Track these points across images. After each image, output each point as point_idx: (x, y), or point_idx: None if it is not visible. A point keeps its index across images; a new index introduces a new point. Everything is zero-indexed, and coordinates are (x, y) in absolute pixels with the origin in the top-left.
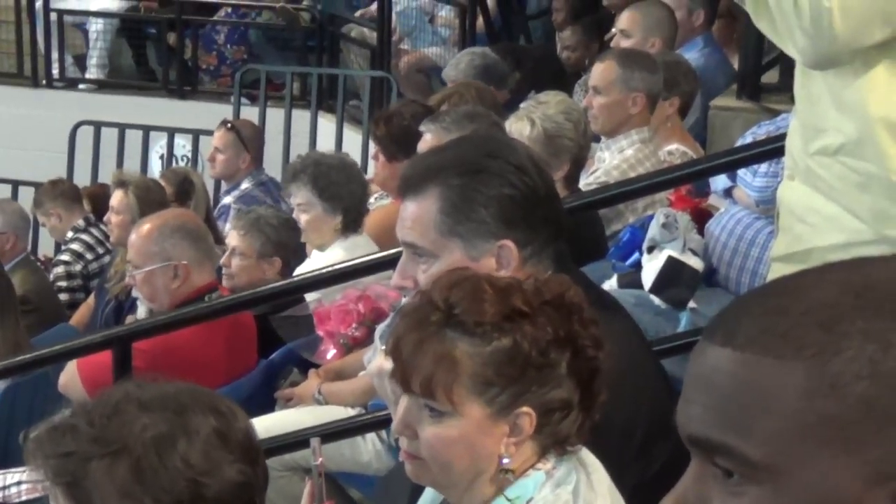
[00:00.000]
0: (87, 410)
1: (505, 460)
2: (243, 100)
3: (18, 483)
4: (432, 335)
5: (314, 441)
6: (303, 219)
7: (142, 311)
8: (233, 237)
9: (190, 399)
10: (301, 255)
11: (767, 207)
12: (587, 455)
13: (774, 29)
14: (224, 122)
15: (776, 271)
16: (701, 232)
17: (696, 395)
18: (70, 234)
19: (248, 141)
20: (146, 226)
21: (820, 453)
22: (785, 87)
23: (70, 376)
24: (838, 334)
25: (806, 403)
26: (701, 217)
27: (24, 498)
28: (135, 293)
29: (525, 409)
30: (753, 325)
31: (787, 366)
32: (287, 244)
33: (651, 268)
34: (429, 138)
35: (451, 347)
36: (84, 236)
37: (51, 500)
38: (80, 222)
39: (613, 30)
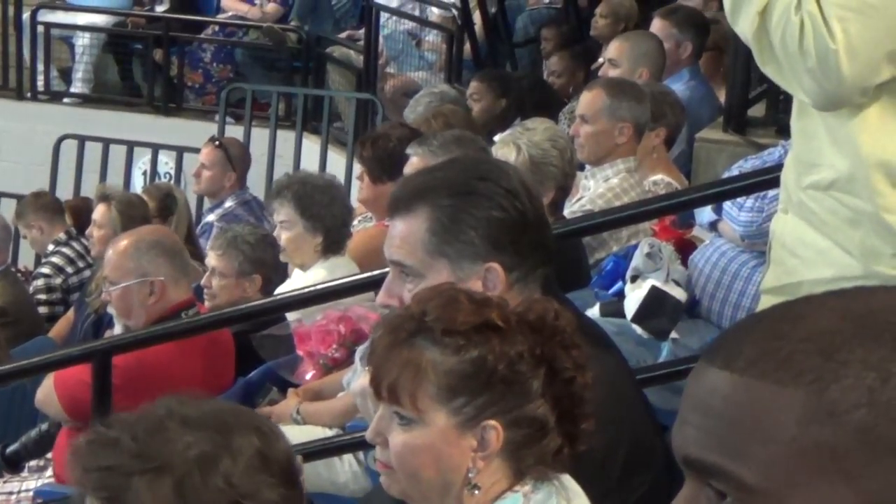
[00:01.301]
0: (129, 425)
1: (471, 474)
2: (228, 119)
3: None
4: (402, 341)
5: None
6: (284, 237)
7: (118, 329)
8: (211, 258)
9: (234, 418)
10: (283, 271)
11: (753, 242)
12: (569, 481)
13: (781, 73)
14: (212, 139)
15: (765, 303)
16: (684, 263)
17: (692, 417)
18: (51, 247)
19: (235, 159)
20: (122, 242)
21: (815, 481)
22: (771, 122)
23: (47, 392)
24: (838, 362)
25: (803, 430)
26: (685, 248)
27: None
28: (110, 310)
29: (492, 422)
30: (753, 350)
31: (785, 392)
32: (266, 261)
33: (634, 297)
34: (415, 161)
35: (419, 354)
36: (65, 249)
37: None
38: (62, 235)
39: (601, 59)
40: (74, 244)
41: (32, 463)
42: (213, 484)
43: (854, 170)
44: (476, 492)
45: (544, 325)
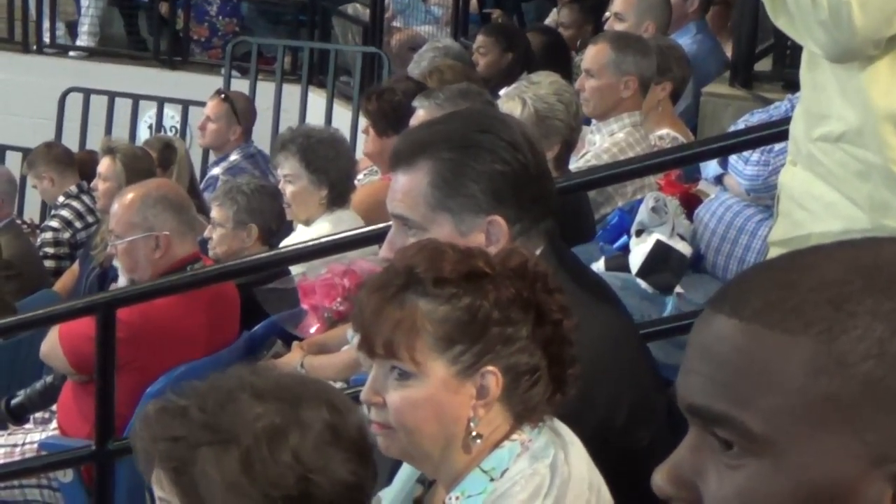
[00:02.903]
0: (199, 395)
1: (472, 423)
2: (234, 72)
3: None
4: (393, 297)
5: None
6: (289, 190)
7: (122, 282)
8: (213, 209)
9: (305, 390)
10: (285, 223)
11: (758, 196)
12: (563, 428)
13: (793, 26)
14: (218, 92)
15: (773, 256)
16: (690, 217)
17: (698, 365)
18: (62, 199)
19: (241, 113)
20: (128, 196)
21: (821, 431)
22: (778, 76)
23: (51, 345)
24: (847, 313)
25: (811, 380)
26: (690, 202)
27: None
28: (115, 263)
29: (490, 368)
30: (762, 298)
31: (794, 341)
32: (262, 210)
33: (639, 251)
34: (421, 114)
35: (412, 306)
36: (75, 203)
37: (153, 483)
38: (73, 188)
39: (607, 13)
40: (84, 198)
41: (37, 415)
42: (280, 458)
43: (864, 122)
44: (478, 441)
45: (526, 270)
